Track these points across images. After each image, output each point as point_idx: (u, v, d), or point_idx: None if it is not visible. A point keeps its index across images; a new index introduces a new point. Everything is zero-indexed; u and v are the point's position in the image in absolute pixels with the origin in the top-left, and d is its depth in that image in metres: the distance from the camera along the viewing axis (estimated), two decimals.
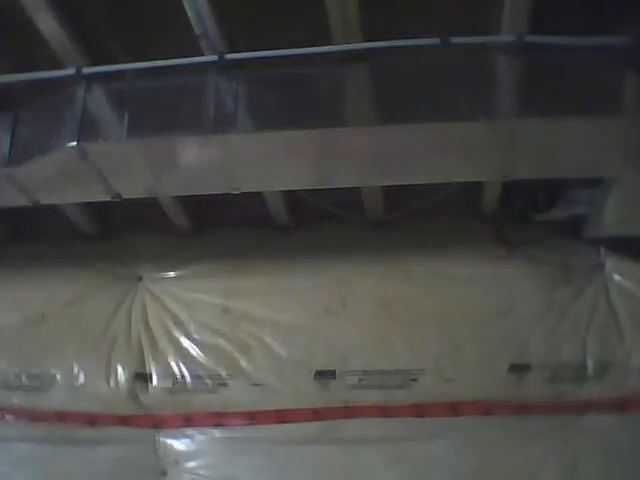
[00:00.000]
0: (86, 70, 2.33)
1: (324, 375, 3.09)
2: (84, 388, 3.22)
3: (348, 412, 3.08)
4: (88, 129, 2.28)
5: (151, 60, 2.29)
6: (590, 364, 2.97)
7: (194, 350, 3.22)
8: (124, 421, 3.21)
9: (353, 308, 3.18)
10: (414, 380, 3.03)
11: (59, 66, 2.39)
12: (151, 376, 3.20)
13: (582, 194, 2.85)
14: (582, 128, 2.17)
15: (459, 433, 3.02)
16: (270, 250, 3.34)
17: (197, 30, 2.20)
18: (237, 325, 3.23)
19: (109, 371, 3.21)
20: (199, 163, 2.44)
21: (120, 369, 3.21)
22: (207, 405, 3.17)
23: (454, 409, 3.01)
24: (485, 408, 3.00)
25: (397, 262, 3.22)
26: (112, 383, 3.19)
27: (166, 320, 3.28)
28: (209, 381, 3.16)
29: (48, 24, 2.27)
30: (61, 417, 3.23)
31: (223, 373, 3.16)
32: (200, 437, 3.20)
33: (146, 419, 3.22)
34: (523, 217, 3.12)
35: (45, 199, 2.68)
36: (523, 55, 2.16)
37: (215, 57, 2.25)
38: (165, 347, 3.24)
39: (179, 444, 3.21)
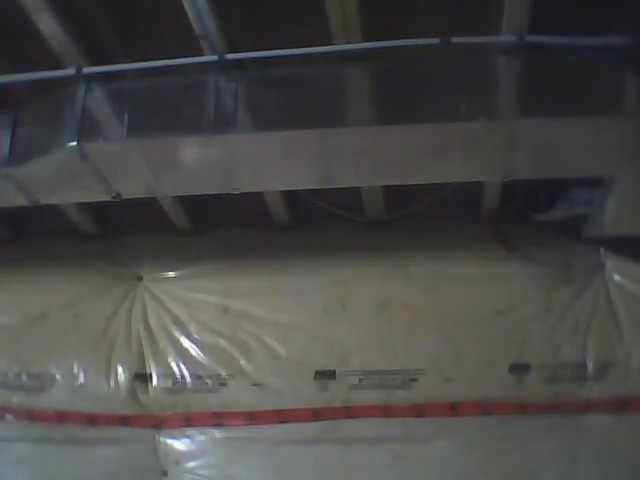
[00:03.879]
0: (86, 70, 2.33)
1: (324, 375, 3.09)
2: (84, 388, 3.22)
3: (348, 412, 3.07)
4: (88, 129, 2.28)
5: (151, 60, 2.29)
6: (590, 364, 2.97)
7: (194, 350, 3.22)
8: (124, 421, 3.20)
9: (353, 308, 3.18)
10: (414, 380, 3.03)
11: (59, 66, 2.39)
12: (151, 376, 3.20)
13: (582, 194, 2.85)
14: (582, 128, 2.17)
15: (459, 433, 3.01)
16: (270, 250, 3.34)
17: (197, 30, 2.21)
18: (237, 325, 3.23)
19: (109, 371, 3.21)
20: (199, 163, 2.44)
21: (120, 369, 3.21)
22: (207, 405, 3.17)
23: (454, 409, 3.01)
24: (485, 408, 2.99)
25: (397, 262, 3.22)
26: (112, 383, 3.19)
27: (166, 320, 3.29)
28: (209, 381, 3.16)
29: (48, 24, 2.27)
30: (61, 417, 3.22)
31: (223, 373, 3.16)
32: (200, 437, 3.19)
33: (146, 419, 3.21)
34: (523, 217, 3.12)
35: (45, 199, 2.68)
36: (523, 55, 2.16)
37: (215, 57, 2.26)
38: (165, 347, 3.24)
39: (179, 444, 3.21)
